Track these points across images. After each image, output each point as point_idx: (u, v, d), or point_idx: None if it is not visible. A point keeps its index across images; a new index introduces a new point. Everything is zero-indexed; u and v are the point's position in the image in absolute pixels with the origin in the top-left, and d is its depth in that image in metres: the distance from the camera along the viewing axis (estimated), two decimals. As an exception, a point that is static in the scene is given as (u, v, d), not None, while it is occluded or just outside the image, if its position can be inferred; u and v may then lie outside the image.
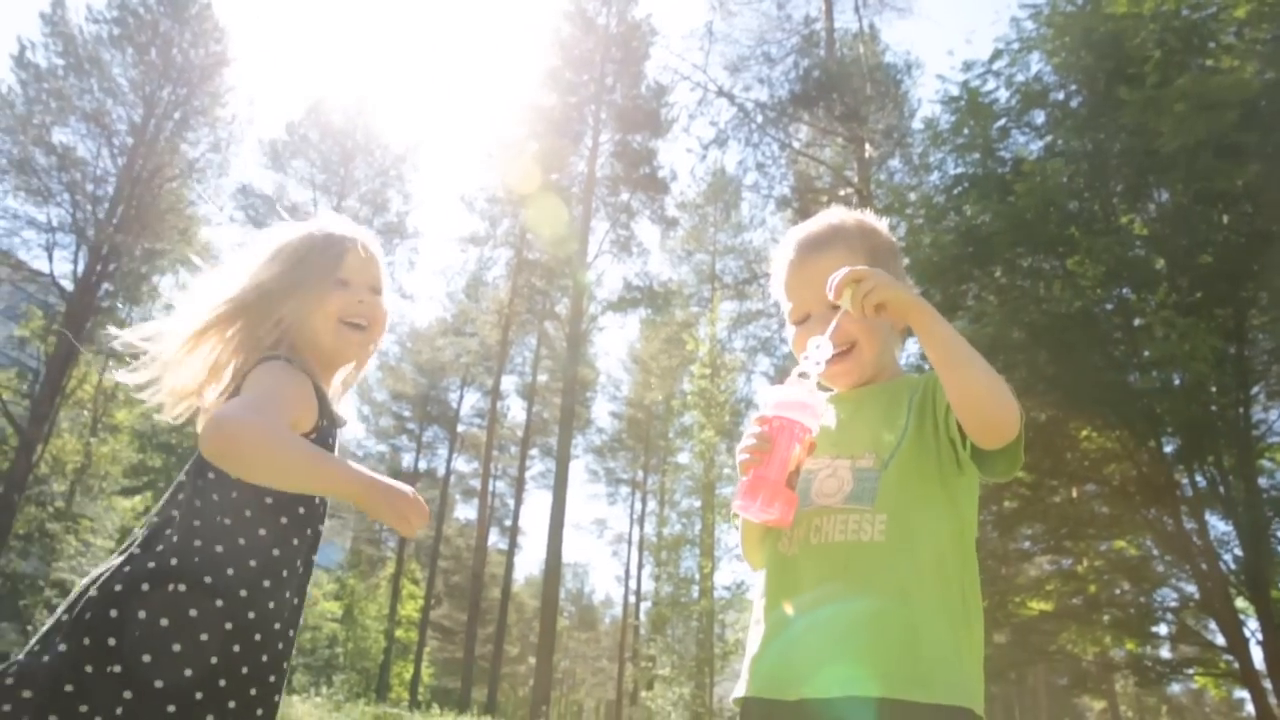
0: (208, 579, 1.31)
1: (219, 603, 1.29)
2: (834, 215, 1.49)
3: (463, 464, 35.63)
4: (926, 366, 1.34)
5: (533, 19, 33.06)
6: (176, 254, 23.84)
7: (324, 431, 1.47)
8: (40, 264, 21.15)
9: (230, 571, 1.33)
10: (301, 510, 1.45)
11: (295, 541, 1.44)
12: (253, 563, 1.36)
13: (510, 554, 29.91)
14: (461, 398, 33.46)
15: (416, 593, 33.28)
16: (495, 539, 34.11)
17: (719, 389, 21.39)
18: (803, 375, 1.27)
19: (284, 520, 1.42)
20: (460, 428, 33.42)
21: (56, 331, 19.09)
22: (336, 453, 1.48)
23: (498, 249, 27.81)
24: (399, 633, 31.65)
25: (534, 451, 32.57)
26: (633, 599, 35.04)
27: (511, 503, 31.80)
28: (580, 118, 24.22)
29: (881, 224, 1.50)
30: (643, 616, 33.51)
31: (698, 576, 26.41)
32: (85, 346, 17.51)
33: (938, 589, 1.21)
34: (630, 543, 35.65)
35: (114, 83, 23.17)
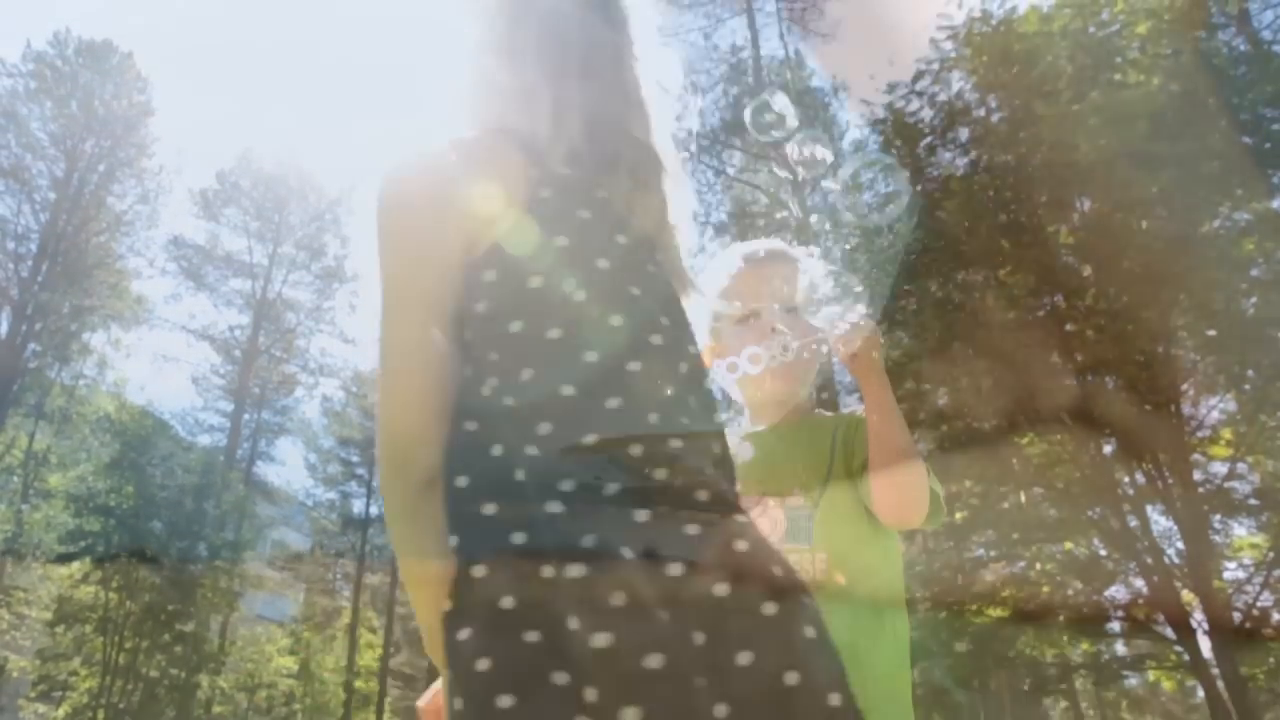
0: None
1: None
2: (779, 242, 1.59)
3: (415, 506, 35.00)
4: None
5: (462, 57, 33.05)
6: (108, 309, 23.20)
7: None
8: (-39, 327, 20.37)
9: None
10: None
11: None
12: None
13: (468, 595, 29.34)
14: (410, 439, 32.94)
15: (375, 641, 32.40)
16: (452, 580, 33.45)
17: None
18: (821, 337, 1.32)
19: None
20: (411, 469, 32.85)
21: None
22: None
23: (439, 287, 27.54)
24: (358, 684, 30.75)
25: (487, 489, 32.15)
26: (596, 632, 34.59)
27: (467, 543, 31.25)
28: (516, 152, 24.23)
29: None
30: (607, 649, 33.09)
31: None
32: (13, 409, 16.86)
33: (876, 629, 1.22)
34: (590, 575, 35.23)
35: (33, 137, 22.56)
